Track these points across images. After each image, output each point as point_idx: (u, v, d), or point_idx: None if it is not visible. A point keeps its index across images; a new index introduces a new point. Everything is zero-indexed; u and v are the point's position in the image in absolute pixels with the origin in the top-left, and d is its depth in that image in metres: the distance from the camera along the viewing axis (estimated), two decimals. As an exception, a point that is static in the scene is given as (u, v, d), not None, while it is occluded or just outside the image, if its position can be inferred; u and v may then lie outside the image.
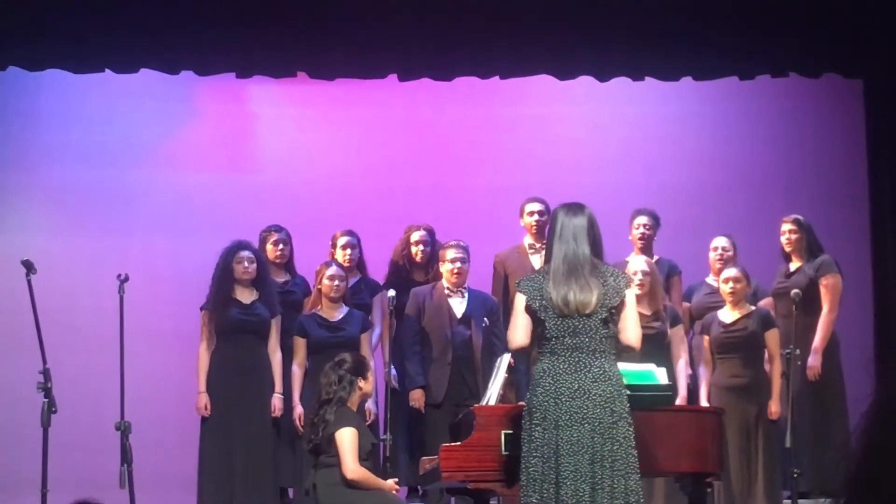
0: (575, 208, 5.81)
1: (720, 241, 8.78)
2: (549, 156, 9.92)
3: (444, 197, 9.83)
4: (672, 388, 6.73)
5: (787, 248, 8.62)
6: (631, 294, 5.78)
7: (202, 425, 8.14)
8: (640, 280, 8.06)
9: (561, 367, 5.60)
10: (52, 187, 9.61)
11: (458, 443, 6.27)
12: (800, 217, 8.64)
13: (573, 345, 5.61)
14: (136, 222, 9.68)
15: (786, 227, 8.61)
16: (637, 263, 8.22)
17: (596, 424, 5.54)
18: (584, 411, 5.54)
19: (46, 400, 6.69)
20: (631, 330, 5.72)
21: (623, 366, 5.85)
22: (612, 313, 5.66)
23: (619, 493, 5.54)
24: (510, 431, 6.09)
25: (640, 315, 6.30)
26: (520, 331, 5.74)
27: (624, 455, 5.56)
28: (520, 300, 5.74)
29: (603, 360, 5.62)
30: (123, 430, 6.77)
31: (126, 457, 6.70)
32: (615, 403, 5.59)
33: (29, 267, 6.90)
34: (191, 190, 9.79)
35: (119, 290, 7.10)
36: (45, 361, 6.71)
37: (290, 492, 8.32)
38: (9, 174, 9.50)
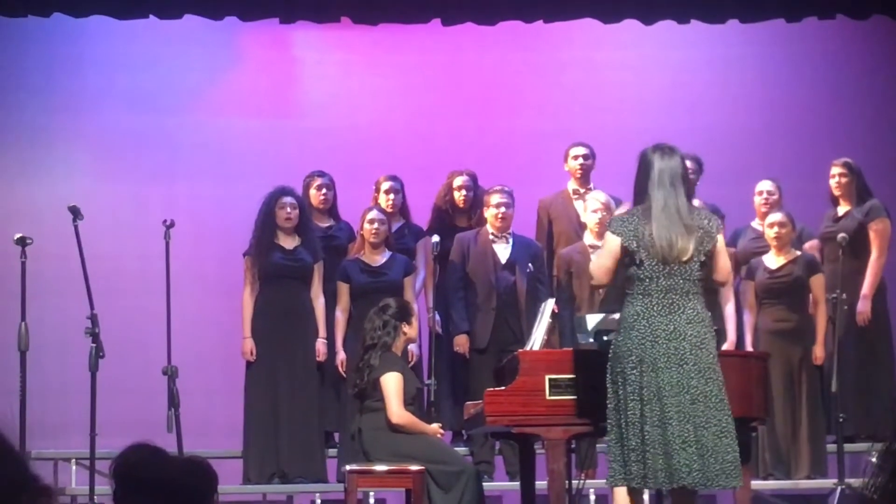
0: (668, 150, 5.80)
1: (765, 185, 8.70)
2: (593, 100, 9.86)
3: (488, 142, 9.79)
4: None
5: (836, 192, 8.54)
6: (721, 237, 5.85)
7: (247, 370, 8.20)
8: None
9: (654, 309, 5.64)
10: (97, 134, 9.64)
11: (503, 387, 6.28)
12: (850, 160, 8.55)
13: (667, 286, 5.65)
14: (181, 168, 9.71)
15: (835, 170, 8.53)
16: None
17: (692, 365, 5.59)
18: (682, 352, 5.60)
19: (94, 345, 6.74)
20: (723, 269, 5.83)
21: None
22: (708, 257, 5.70)
23: (726, 431, 5.60)
24: (554, 376, 6.11)
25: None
26: (605, 269, 5.78)
27: (721, 394, 5.64)
28: (613, 240, 5.76)
29: (696, 301, 5.69)
30: (170, 374, 6.82)
31: (173, 401, 6.76)
32: (709, 344, 5.68)
33: (76, 213, 6.94)
34: (234, 136, 9.79)
35: (165, 236, 7.13)
36: (92, 307, 6.76)
37: (336, 436, 8.37)
38: (54, 121, 9.53)
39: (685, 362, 5.60)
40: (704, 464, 5.57)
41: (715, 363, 5.67)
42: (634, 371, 5.62)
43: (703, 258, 5.72)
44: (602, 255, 5.84)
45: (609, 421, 5.70)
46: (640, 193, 5.80)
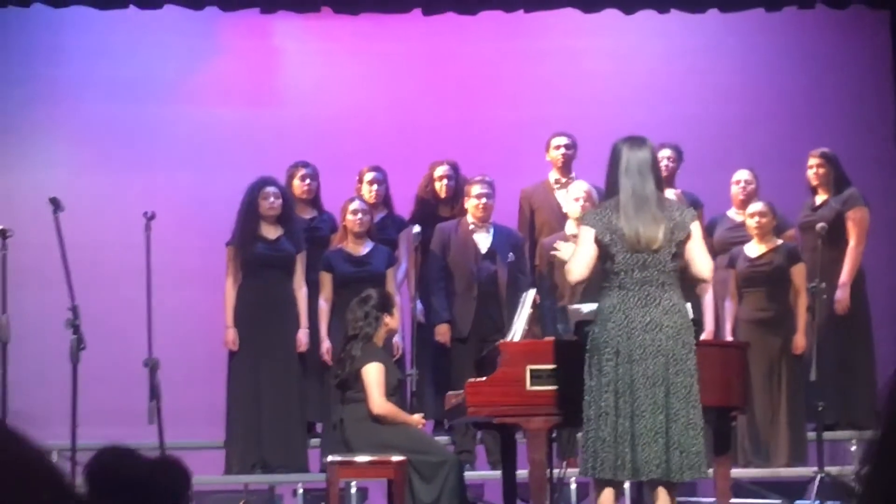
0: (638, 142, 5.81)
1: (742, 175, 8.74)
2: (574, 90, 9.87)
3: (470, 132, 9.80)
4: (698, 322, 6.74)
5: (814, 182, 8.58)
6: (696, 227, 5.80)
7: (230, 360, 8.21)
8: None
9: (631, 301, 5.64)
10: (77, 124, 9.62)
11: (484, 378, 6.30)
12: (827, 150, 8.58)
13: (642, 279, 5.65)
14: (162, 158, 9.69)
15: (813, 160, 8.56)
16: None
17: (669, 356, 5.61)
18: (658, 344, 5.60)
19: (75, 336, 6.72)
20: (701, 262, 5.78)
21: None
22: (680, 247, 5.70)
23: (693, 423, 5.61)
24: (535, 366, 6.14)
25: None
26: (582, 264, 5.76)
27: (694, 386, 5.65)
28: (587, 233, 5.75)
29: (672, 292, 5.67)
30: (152, 366, 6.81)
31: (154, 393, 6.75)
32: (686, 335, 5.67)
33: (56, 204, 6.91)
34: (215, 126, 9.78)
35: (145, 229, 7.11)
36: (73, 298, 6.74)
37: (318, 426, 8.39)
38: (34, 111, 9.51)
39: (661, 353, 5.61)
40: (669, 457, 5.59)
41: (691, 355, 5.68)
42: (610, 363, 5.64)
43: (674, 249, 5.71)
44: (578, 250, 5.83)
45: (584, 412, 5.73)
46: (612, 185, 5.81)
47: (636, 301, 5.65)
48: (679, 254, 5.73)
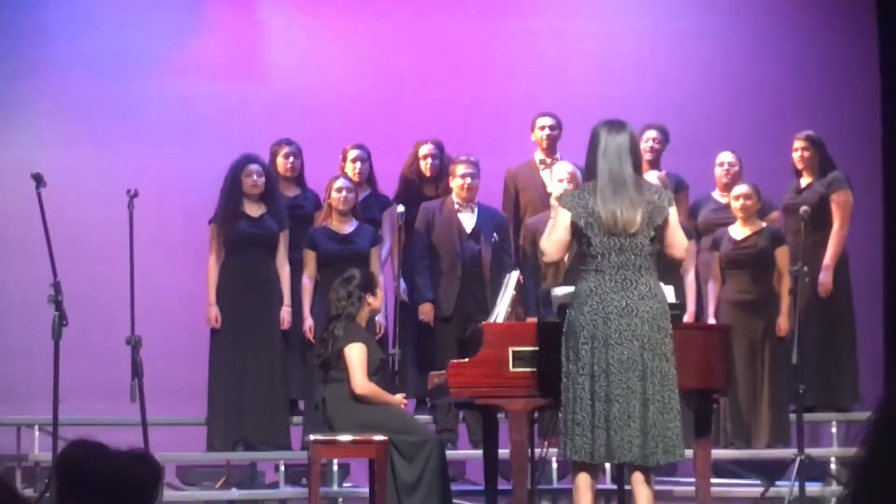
0: (617, 125, 5.79)
1: (726, 157, 8.74)
2: (560, 70, 9.86)
3: (455, 110, 9.78)
4: (680, 306, 6.75)
5: (799, 165, 8.58)
6: (674, 211, 5.79)
7: (212, 337, 8.20)
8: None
9: (607, 285, 5.63)
10: (62, 99, 9.58)
11: (466, 359, 6.31)
12: (812, 134, 8.59)
13: (619, 262, 5.64)
14: (145, 134, 9.65)
15: (798, 143, 8.57)
16: (649, 178, 8.17)
17: (645, 341, 5.60)
18: (633, 328, 5.59)
19: (57, 313, 6.70)
20: (677, 241, 5.77)
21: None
22: (658, 231, 5.69)
23: (669, 407, 5.61)
24: (518, 348, 6.14)
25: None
26: (557, 244, 5.75)
27: (670, 370, 5.65)
28: (563, 216, 5.73)
29: (648, 277, 5.66)
30: (134, 344, 6.80)
31: (137, 371, 6.74)
32: (662, 320, 5.66)
33: (38, 180, 6.88)
34: (199, 101, 9.74)
35: (128, 206, 7.07)
36: (55, 275, 6.72)
37: (300, 403, 8.39)
38: (18, 86, 9.46)
39: (637, 338, 5.61)
40: (644, 440, 5.60)
41: (667, 339, 5.68)
42: (586, 346, 5.64)
43: (652, 232, 5.70)
44: (553, 231, 5.81)
45: (562, 395, 5.74)
46: (591, 169, 5.80)
47: (612, 285, 5.64)
48: (657, 238, 5.72)
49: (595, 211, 5.66)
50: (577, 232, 5.70)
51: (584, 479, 5.75)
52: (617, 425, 5.58)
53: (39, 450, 8.07)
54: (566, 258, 6.04)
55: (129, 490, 2.57)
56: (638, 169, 5.80)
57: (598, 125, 5.83)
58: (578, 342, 5.65)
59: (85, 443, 2.69)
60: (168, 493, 8.16)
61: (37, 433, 8.16)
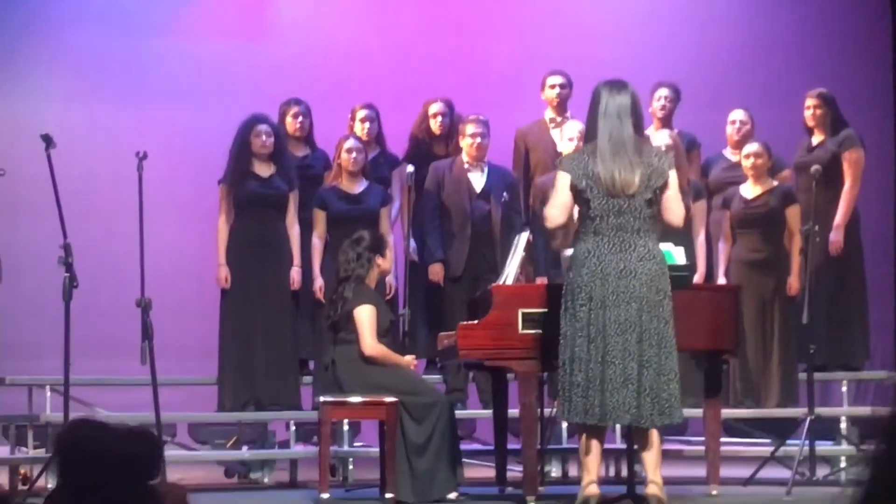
0: (618, 86, 5.77)
1: (737, 115, 8.69)
2: (570, 27, 9.80)
3: (465, 69, 9.74)
4: (690, 268, 6.74)
5: (811, 123, 8.53)
6: (674, 175, 5.76)
7: (222, 297, 8.21)
8: (665, 155, 8.00)
9: (606, 246, 5.63)
10: (70, 57, 9.56)
11: (476, 321, 6.30)
12: (824, 91, 8.53)
13: (617, 224, 5.63)
14: (154, 93, 9.63)
15: (810, 101, 8.51)
16: (661, 138, 8.12)
17: (643, 303, 5.61)
18: (631, 290, 5.59)
19: (68, 275, 6.71)
20: (674, 209, 5.74)
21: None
22: (657, 193, 5.67)
23: (666, 369, 5.61)
24: (527, 310, 6.14)
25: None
26: (560, 209, 5.75)
27: (668, 332, 5.64)
28: (563, 178, 5.72)
29: (647, 238, 5.66)
30: (144, 306, 6.80)
31: (147, 333, 6.74)
32: (660, 281, 5.66)
33: (48, 141, 6.87)
34: (209, 60, 9.72)
35: (137, 168, 7.04)
36: (65, 236, 6.72)
37: (310, 363, 8.40)
38: (26, 45, 9.43)
39: (634, 300, 5.61)
40: (640, 403, 5.61)
41: (665, 301, 5.67)
42: (584, 308, 5.64)
43: (650, 195, 5.68)
44: (555, 196, 5.80)
45: (560, 356, 5.74)
46: (592, 129, 5.78)
47: (611, 247, 5.64)
48: (656, 200, 5.69)
49: (594, 172, 5.64)
50: (576, 194, 5.69)
51: (589, 440, 5.76)
52: (612, 387, 5.59)
53: (51, 410, 8.09)
54: (576, 219, 6.03)
55: (130, 467, 2.57)
56: (639, 129, 5.78)
57: (599, 85, 5.81)
58: (576, 303, 5.65)
59: (85, 422, 2.71)
60: (180, 452, 8.20)
61: (48, 393, 8.18)
